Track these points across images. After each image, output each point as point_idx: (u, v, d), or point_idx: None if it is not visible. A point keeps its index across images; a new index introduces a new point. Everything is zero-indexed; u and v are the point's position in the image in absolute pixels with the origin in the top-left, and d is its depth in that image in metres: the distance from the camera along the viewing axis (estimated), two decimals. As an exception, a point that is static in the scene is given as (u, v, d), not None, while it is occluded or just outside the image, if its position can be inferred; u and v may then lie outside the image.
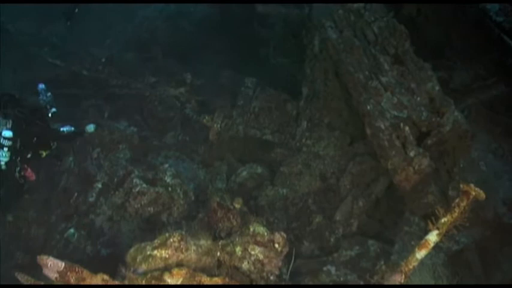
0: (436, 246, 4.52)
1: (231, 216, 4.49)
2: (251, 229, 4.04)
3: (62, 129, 6.27)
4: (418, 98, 4.74)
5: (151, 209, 5.43)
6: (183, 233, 3.73)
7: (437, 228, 3.10)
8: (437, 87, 4.78)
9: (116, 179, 5.76)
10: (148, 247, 3.67)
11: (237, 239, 4.01)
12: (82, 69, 8.53)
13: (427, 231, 3.36)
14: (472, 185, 3.02)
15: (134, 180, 5.46)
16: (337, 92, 5.88)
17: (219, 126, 6.36)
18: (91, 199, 5.99)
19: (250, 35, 9.14)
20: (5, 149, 5.61)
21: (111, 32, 11.01)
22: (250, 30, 9.19)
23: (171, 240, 3.59)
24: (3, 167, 5.67)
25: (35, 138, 6.00)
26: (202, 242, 3.83)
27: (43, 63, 8.69)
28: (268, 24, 9.02)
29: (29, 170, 5.97)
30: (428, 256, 4.47)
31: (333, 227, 5.21)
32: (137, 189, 5.39)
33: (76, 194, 6.26)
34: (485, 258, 4.63)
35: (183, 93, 8.22)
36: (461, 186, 3.07)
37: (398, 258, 4.31)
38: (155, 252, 3.57)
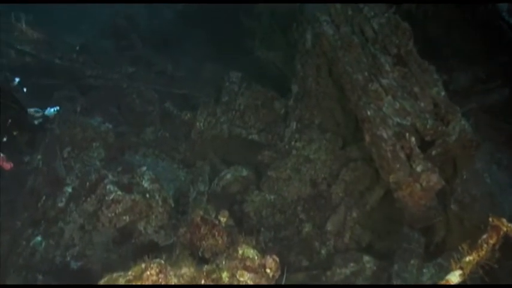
0: (437, 265, 4.13)
1: (216, 233, 3.85)
2: (240, 252, 3.41)
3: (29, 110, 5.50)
4: (422, 104, 4.16)
5: (127, 217, 4.72)
6: (162, 262, 3.07)
7: (461, 268, 2.53)
8: (442, 93, 4.21)
9: (87, 184, 4.98)
10: (121, 279, 3.00)
11: (223, 263, 3.39)
12: (54, 57, 7.57)
13: (448, 270, 2.82)
14: (504, 220, 2.47)
15: (108, 187, 4.72)
16: (330, 91, 5.27)
17: (201, 124, 5.68)
18: (60, 204, 5.22)
19: (235, 26, 8.40)
20: None
21: (85, 18, 10.01)
22: (235, 20, 8.44)
23: (148, 272, 2.93)
24: None
25: (10, 121, 5.23)
26: (184, 270, 3.18)
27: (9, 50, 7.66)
28: (255, 14, 8.21)
29: (2, 157, 5.11)
30: (428, 275, 4.06)
31: (324, 238, 4.66)
32: (111, 197, 4.66)
33: (44, 197, 5.49)
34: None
35: None
36: (490, 220, 2.51)
37: (398, 280, 3.78)
38: (129, 287, 2.91)
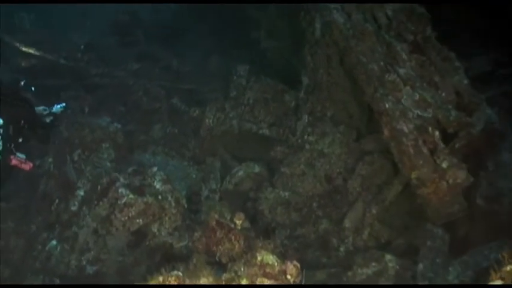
0: (463, 263, 3.89)
1: (233, 237, 3.66)
2: (259, 258, 3.21)
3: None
4: (443, 94, 3.86)
5: (140, 220, 4.54)
6: (180, 274, 2.88)
7: (501, 278, 2.30)
8: (465, 81, 3.90)
9: (99, 187, 4.80)
10: (138, 293, 2.83)
11: (242, 270, 3.20)
12: (59, 57, 7.34)
13: (474, 268, 2.58)
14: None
15: (120, 190, 4.52)
16: (342, 82, 4.97)
17: (210, 120, 5.45)
18: (73, 208, 5.07)
19: (240, 16, 8.05)
20: None
21: (88, 15, 9.72)
22: (240, 10, 8.08)
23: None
24: None
25: (23, 122, 5.09)
26: (203, 280, 3.01)
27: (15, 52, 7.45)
28: (260, 4, 7.79)
29: (21, 158, 4.97)
30: (454, 274, 3.83)
31: (342, 235, 4.44)
32: (123, 201, 4.46)
33: (57, 201, 5.35)
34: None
35: None
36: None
37: (424, 281, 3.56)
38: (147, 302, 2.73)
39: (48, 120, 5.47)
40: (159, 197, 4.61)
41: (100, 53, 7.89)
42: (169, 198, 4.66)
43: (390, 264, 3.91)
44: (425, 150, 3.55)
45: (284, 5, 7.11)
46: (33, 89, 5.69)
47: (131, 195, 4.48)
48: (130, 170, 5.03)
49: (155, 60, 8.35)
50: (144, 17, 9.30)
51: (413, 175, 3.61)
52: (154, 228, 4.60)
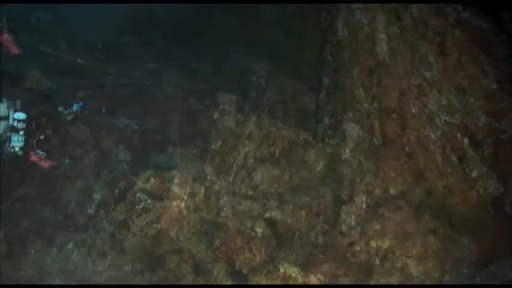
0: (490, 273, 3.73)
1: (254, 247, 3.57)
2: (281, 270, 3.12)
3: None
4: (472, 99, 3.67)
5: (158, 225, 4.46)
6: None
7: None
8: (493, 85, 3.70)
9: (116, 191, 4.74)
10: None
11: (264, 282, 3.10)
12: (76, 56, 7.24)
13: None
14: None
15: (137, 195, 4.45)
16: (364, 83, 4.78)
17: (229, 122, 4.94)
18: (90, 211, 5.03)
19: (257, 14, 7.85)
20: (21, 132, 4.66)
21: (105, 14, 9.54)
22: (256, 9, 7.89)
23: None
24: (20, 152, 4.71)
25: (45, 119, 5.03)
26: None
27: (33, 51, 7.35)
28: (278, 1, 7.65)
29: (41, 155, 4.93)
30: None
31: (365, 242, 4.29)
32: (141, 206, 4.40)
33: (73, 204, 5.31)
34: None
35: None
36: None
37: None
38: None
39: (69, 118, 5.44)
40: (178, 201, 4.54)
41: (117, 53, 7.70)
42: (188, 202, 4.59)
43: (415, 274, 3.78)
44: (453, 157, 3.39)
45: (303, 4, 6.87)
46: (54, 86, 5.68)
47: (149, 200, 4.42)
48: (147, 173, 4.97)
49: (172, 59, 8.16)
50: (161, 15, 9.00)
51: (442, 183, 3.46)
52: (173, 233, 4.52)
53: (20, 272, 4.44)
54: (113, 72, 7.19)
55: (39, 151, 4.93)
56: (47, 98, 6.38)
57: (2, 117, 4.89)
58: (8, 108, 4.85)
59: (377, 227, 3.88)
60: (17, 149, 4.76)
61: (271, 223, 5.04)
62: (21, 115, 4.72)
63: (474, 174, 3.39)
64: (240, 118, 4.85)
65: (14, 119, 4.72)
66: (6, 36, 4.87)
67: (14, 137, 4.76)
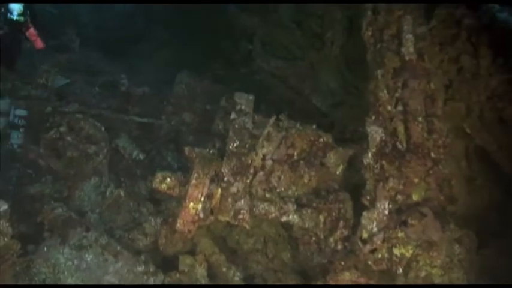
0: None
1: (268, 251, 3.35)
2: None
3: None
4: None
5: (174, 226, 4.26)
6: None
7: None
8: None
9: (130, 189, 4.60)
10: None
11: None
12: (90, 54, 7.16)
13: None
14: None
15: (151, 195, 4.31)
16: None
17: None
18: (103, 209, 4.95)
19: (221, 21, 6.61)
20: (21, 129, 4.58)
21: (117, 12, 9.26)
22: (221, 13, 6.61)
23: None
24: (19, 150, 4.65)
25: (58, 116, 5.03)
26: None
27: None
28: (254, 6, 6.33)
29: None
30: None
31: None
32: (156, 206, 4.21)
33: (86, 201, 5.24)
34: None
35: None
36: None
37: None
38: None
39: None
40: (194, 202, 4.33)
41: (131, 51, 7.42)
42: (205, 203, 4.40)
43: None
44: (480, 164, 3.20)
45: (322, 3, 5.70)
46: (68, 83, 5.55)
47: (164, 201, 4.29)
48: (163, 172, 4.75)
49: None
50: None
51: (467, 191, 3.28)
52: (189, 235, 4.35)
53: (33, 269, 4.34)
54: (128, 71, 7.11)
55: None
56: (60, 94, 6.35)
57: (2, 113, 4.81)
58: (9, 104, 4.76)
59: (400, 234, 3.70)
60: (15, 146, 4.69)
61: (287, 227, 4.92)
62: (22, 112, 4.62)
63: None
64: (257, 119, 4.68)
65: (14, 116, 4.63)
66: (32, 30, 4.86)
67: (14, 134, 4.70)
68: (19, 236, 4.27)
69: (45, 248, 4.42)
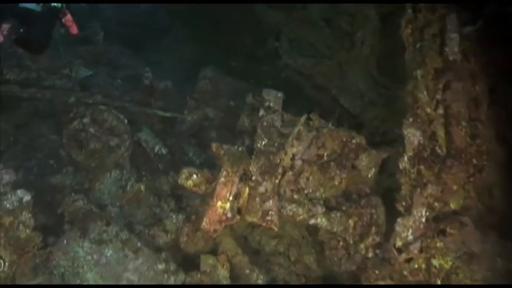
0: None
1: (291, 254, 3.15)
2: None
3: None
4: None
5: (199, 225, 4.03)
6: None
7: None
8: None
9: (151, 184, 4.40)
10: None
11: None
12: (113, 47, 7.01)
13: None
14: None
15: (175, 191, 4.08)
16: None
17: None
18: (123, 202, 4.78)
19: (248, 18, 6.34)
20: None
21: (140, 8, 9.10)
22: (248, 10, 6.28)
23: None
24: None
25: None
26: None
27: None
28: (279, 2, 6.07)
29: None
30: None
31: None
32: (179, 202, 4.03)
33: (106, 194, 5.08)
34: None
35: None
36: None
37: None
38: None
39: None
40: (222, 201, 4.11)
41: (154, 46, 7.26)
42: (233, 203, 4.17)
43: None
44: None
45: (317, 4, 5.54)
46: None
47: (189, 197, 4.10)
48: (189, 169, 4.50)
49: (115, 67, 6.52)
50: (198, 11, 8.27)
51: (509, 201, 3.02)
52: (214, 234, 4.14)
53: (52, 262, 4.19)
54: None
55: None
56: (84, 86, 6.23)
57: None
58: None
59: (439, 244, 3.45)
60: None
61: (312, 230, 4.68)
62: None
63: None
64: (286, 117, 4.45)
65: None
66: (69, 17, 4.81)
67: None
68: (40, 228, 4.13)
69: (65, 241, 4.27)
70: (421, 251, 3.47)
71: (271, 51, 6.48)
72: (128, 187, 5.19)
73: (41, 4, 4.61)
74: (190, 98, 6.17)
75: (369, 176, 4.21)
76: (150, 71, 6.50)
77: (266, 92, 4.47)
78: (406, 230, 3.60)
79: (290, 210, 3.98)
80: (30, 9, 4.55)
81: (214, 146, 3.94)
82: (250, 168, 3.86)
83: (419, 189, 3.61)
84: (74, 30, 5.02)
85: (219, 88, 6.22)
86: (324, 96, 5.83)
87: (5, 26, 4.52)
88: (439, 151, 3.74)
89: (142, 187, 5.14)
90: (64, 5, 4.82)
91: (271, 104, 4.35)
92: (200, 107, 6.10)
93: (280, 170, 3.98)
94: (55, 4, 4.70)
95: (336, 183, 4.12)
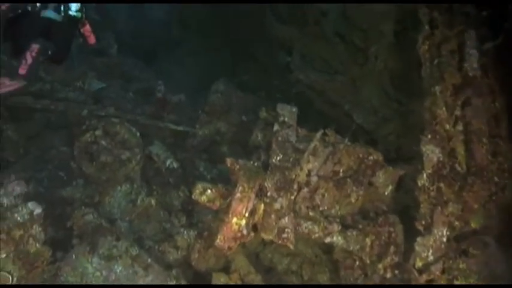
0: None
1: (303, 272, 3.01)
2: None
3: None
4: None
5: (213, 242, 3.90)
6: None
7: None
8: None
9: (162, 199, 4.28)
10: None
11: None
12: (126, 60, 7.01)
13: None
14: None
15: (187, 207, 3.97)
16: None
17: (291, 138, 3.95)
18: (133, 217, 4.66)
19: (259, 33, 6.38)
20: None
21: (153, 20, 9.22)
22: (259, 25, 6.35)
23: None
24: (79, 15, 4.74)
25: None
26: None
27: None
28: (291, 17, 6.11)
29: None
30: None
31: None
32: (190, 218, 3.89)
33: (116, 208, 4.97)
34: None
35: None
36: None
37: None
38: None
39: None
40: (238, 218, 3.97)
41: (167, 59, 7.28)
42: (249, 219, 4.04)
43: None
44: None
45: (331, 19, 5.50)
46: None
47: (202, 213, 3.98)
48: (203, 184, 4.37)
49: (128, 79, 6.63)
50: (211, 24, 8.39)
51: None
52: (227, 252, 4.00)
53: (60, 277, 4.06)
54: (162, 78, 6.90)
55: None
56: (96, 98, 6.20)
57: None
58: None
59: (462, 265, 3.31)
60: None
61: (325, 248, 4.54)
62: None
63: None
64: (301, 132, 4.37)
65: None
66: (88, 27, 4.79)
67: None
68: (49, 242, 4.02)
69: (74, 256, 4.15)
70: (443, 272, 3.32)
71: (283, 65, 6.45)
72: (138, 201, 5.08)
73: (62, 14, 4.58)
74: (202, 112, 6.12)
75: (386, 193, 4.09)
76: (163, 84, 6.47)
77: (280, 106, 4.41)
78: (426, 250, 3.46)
79: (306, 227, 3.86)
80: (53, 19, 4.52)
81: (229, 161, 3.85)
82: (266, 184, 3.76)
83: (439, 208, 3.49)
84: (92, 40, 5.00)
85: (231, 102, 6.17)
86: (337, 112, 5.76)
87: (35, 47, 4.40)
88: (459, 168, 3.63)
89: (153, 201, 5.04)
90: (84, 15, 4.81)
91: (286, 119, 4.28)
92: (212, 121, 6.04)
93: (295, 186, 3.87)
94: (75, 14, 4.66)
95: (353, 200, 4.00)
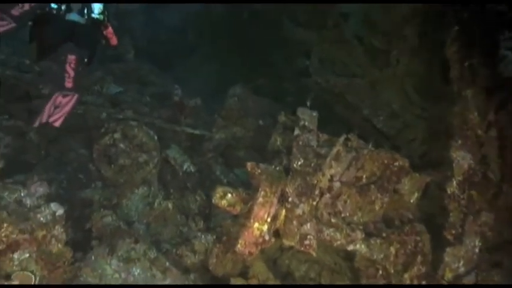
0: None
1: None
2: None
3: None
4: None
5: (235, 247, 3.73)
6: None
7: None
8: None
9: (179, 202, 4.15)
10: None
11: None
12: (143, 65, 6.94)
13: None
14: None
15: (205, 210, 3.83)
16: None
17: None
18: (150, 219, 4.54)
19: (276, 37, 6.27)
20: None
21: (170, 25, 9.17)
22: (276, 28, 6.24)
23: None
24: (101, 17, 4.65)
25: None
26: None
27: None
28: (309, 21, 6.04)
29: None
30: None
31: None
32: (209, 222, 3.76)
33: (134, 211, 4.87)
34: None
35: None
36: None
37: None
38: None
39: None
40: (260, 223, 3.79)
41: (183, 64, 7.16)
42: (271, 225, 3.90)
43: None
44: None
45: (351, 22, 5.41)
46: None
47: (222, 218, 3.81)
48: (223, 188, 4.18)
49: (145, 84, 6.62)
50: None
51: None
52: (248, 257, 3.85)
53: (80, 278, 3.96)
54: (178, 83, 6.80)
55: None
56: (114, 102, 6.15)
57: None
58: None
59: (496, 278, 3.09)
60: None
61: (345, 255, 4.35)
62: None
63: None
64: (322, 137, 4.19)
65: None
66: (110, 29, 4.75)
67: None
68: (70, 243, 3.93)
69: (93, 257, 4.05)
70: (476, 284, 3.10)
71: (300, 69, 6.29)
72: (156, 204, 4.97)
73: (85, 17, 4.53)
74: (218, 116, 5.99)
75: (411, 200, 3.88)
76: (180, 88, 6.37)
77: (301, 110, 4.25)
78: (457, 261, 3.25)
79: (327, 234, 3.68)
80: (77, 22, 4.48)
81: (249, 165, 3.70)
82: (287, 189, 3.59)
83: (471, 217, 3.27)
84: (114, 41, 4.97)
85: (247, 106, 6.03)
86: (356, 117, 5.57)
87: (71, 58, 4.48)
88: (491, 176, 3.41)
89: (170, 205, 4.93)
90: (106, 17, 4.76)
91: (306, 123, 4.12)
92: (228, 125, 5.91)
93: (317, 192, 3.70)
94: (97, 16, 4.61)
95: (377, 207, 3.80)
